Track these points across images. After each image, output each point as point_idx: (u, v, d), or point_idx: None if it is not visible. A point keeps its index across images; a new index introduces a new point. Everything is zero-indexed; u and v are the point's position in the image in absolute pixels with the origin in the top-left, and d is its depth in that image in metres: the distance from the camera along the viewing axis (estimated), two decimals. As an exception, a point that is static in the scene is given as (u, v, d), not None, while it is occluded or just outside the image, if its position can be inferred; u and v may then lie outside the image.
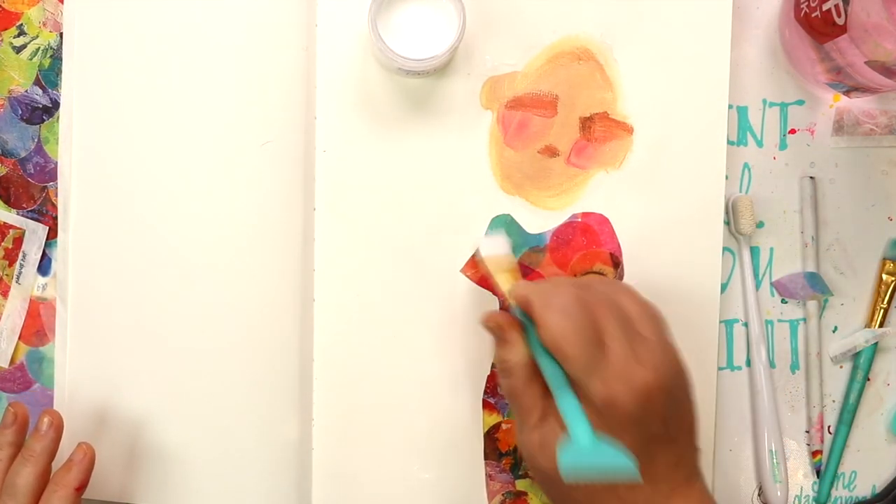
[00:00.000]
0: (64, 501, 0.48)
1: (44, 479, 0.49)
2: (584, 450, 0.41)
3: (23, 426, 0.50)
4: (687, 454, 0.44)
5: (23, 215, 0.55)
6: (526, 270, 0.52)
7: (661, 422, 0.42)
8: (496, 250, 0.50)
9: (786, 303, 0.55)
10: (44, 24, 0.54)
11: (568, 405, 0.42)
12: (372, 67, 0.52)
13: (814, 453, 0.55)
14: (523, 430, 0.44)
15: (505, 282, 0.48)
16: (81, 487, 0.49)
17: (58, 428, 0.50)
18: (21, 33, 0.55)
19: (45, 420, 0.49)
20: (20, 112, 0.55)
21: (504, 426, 0.53)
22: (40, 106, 0.55)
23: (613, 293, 0.45)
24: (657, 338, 0.43)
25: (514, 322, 0.45)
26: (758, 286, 0.54)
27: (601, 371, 0.41)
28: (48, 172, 0.55)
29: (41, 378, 0.55)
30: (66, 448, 0.50)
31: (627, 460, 0.40)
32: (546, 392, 0.44)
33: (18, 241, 0.55)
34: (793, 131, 0.54)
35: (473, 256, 0.52)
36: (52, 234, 0.55)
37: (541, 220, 0.52)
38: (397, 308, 0.52)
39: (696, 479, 0.44)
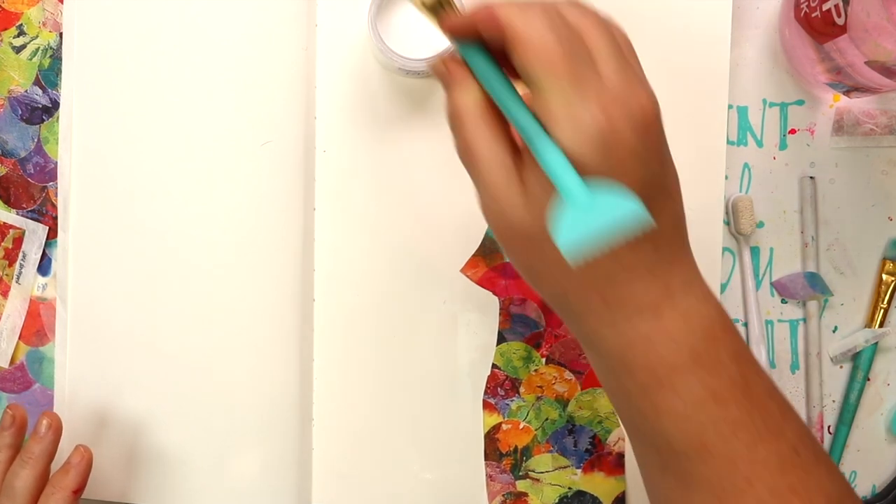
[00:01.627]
0: None
1: (42, 482, 0.49)
2: (583, 207, 0.32)
3: (21, 428, 0.50)
4: (682, 213, 0.38)
5: (23, 215, 0.55)
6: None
7: (659, 161, 0.35)
8: None
9: (786, 303, 0.55)
10: (44, 24, 0.54)
11: (550, 154, 0.33)
12: (372, 67, 0.52)
13: (814, 453, 0.55)
14: (494, 187, 0.36)
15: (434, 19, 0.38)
16: (79, 490, 0.49)
17: (56, 430, 0.50)
18: (21, 33, 0.55)
19: (44, 422, 0.49)
20: (20, 112, 0.55)
21: (504, 427, 0.53)
22: (40, 106, 0.55)
23: (595, 15, 0.36)
24: (640, 68, 0.37)
25: (460, 60, 0.37)
26: (758, 286, 0.54)
27: (596, 95, 0.33)
28: (48, 172, 0.55)
29: (41, 378, 0.55)
30: (65, 448, 0.50)
31: (636, 204, 0.32)
32: (512, 145, 0.36)
33: (18, 241, 0.55)
34: (793, 131, 0.54)
35: (473, 256, 0.52)
36: (52, 234, 0.55)
37: (541, 220, 0.52)
38: (397, 308, 0.52)
39: (689, 249, 0.38)
